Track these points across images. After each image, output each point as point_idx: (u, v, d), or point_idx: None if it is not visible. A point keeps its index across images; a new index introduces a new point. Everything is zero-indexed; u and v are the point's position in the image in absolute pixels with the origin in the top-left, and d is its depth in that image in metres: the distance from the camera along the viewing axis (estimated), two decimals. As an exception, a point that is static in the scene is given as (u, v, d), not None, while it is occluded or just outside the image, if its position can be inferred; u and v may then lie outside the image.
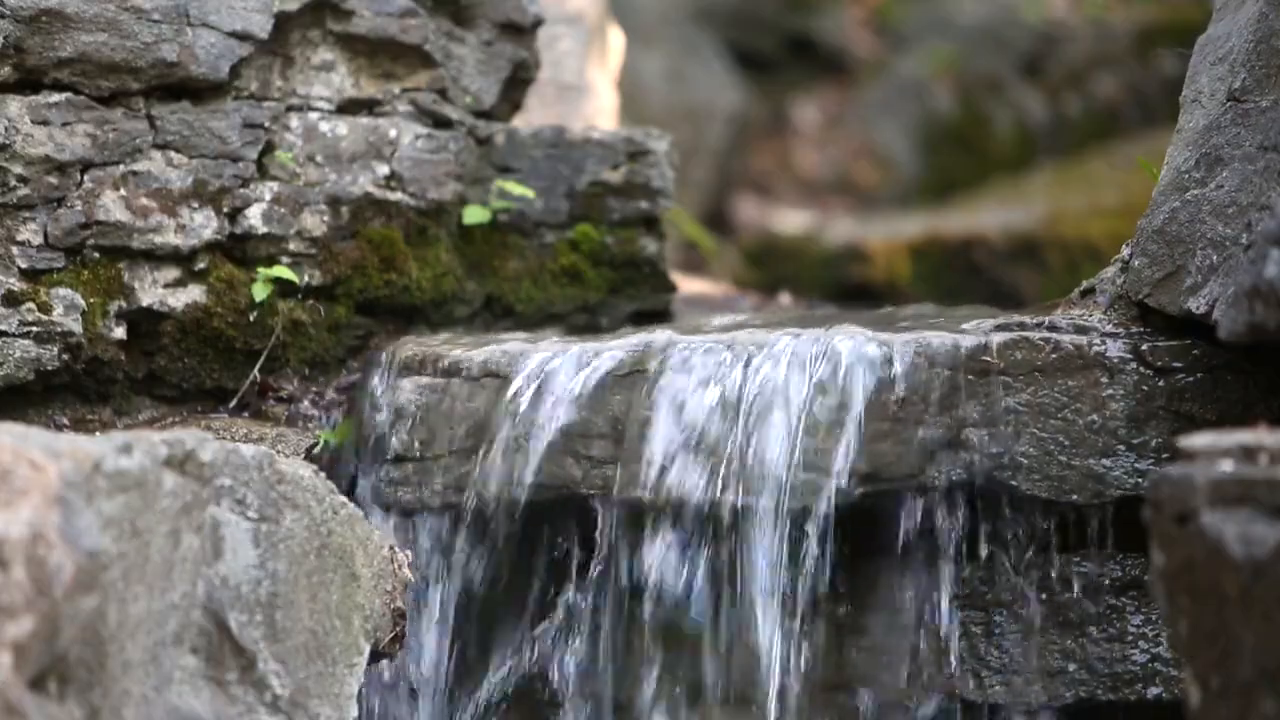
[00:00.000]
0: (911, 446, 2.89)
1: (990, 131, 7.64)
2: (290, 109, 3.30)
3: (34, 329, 3.05)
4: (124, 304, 3.15)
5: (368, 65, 3.38)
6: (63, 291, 3.08)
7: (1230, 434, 2.22)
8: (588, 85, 4.64)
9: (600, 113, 4.61)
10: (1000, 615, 2.92)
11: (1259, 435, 2.19)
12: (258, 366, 3.25)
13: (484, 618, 3.03)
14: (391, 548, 2.67)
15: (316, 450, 3.12)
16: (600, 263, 3.50)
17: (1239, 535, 2.08)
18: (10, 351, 3.03)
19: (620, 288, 3.52)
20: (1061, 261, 5.98)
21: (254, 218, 3.24)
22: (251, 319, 3.23)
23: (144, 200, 3.15)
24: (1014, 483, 2.89)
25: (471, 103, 3.47)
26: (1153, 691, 2.89)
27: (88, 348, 3.11)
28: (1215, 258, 2.89)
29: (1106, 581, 2.91)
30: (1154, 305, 2.96)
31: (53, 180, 3.09)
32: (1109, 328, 2.98)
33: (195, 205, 3.19)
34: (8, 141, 3.05)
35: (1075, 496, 2.89)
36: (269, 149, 3.27)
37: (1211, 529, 2.10)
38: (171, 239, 3.17)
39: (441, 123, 3.42)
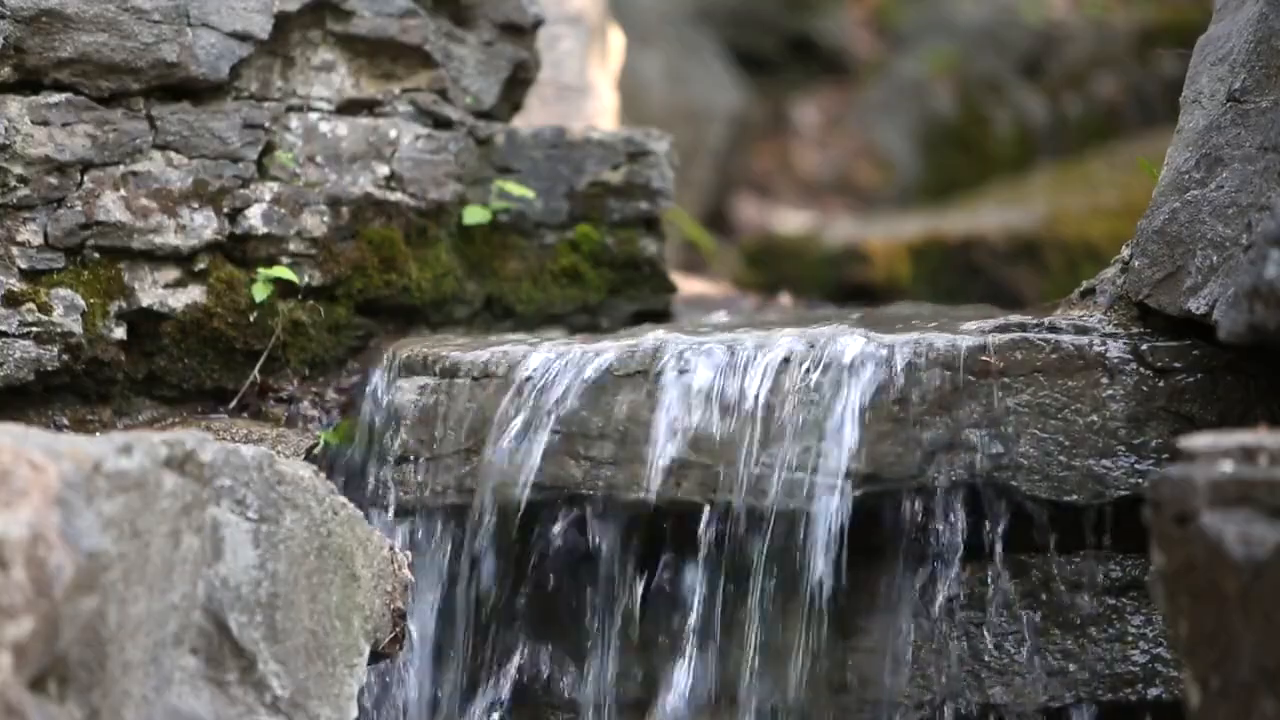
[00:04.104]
0: (912, 447, 2.89)
1: (990, 132, 7.64)
2: (290, 109, 3.30)
3: (34, 329, 3.05)
4: (124, 304, 3.15)
5: (368, 65, 3.38)
6: (63, 292, 3.08)
7: (1230, 435, 2.22)
8: (588, 85, 4.64)
9: (600, 113, 4.61)
10: (1000, 615, 2.92)
11: (1259, 436, 2.19)
12: (258, 367, 3.25)
13: (483, 618, 3.03)
14: (391, 548, 2.67)
15: (316, 451, 3.12)
16: (600, 263, 3.50)
17: (1239, 536, 2.08)
18: (10, 352, 3.04)
19: (620, 288, 3.52)
20: (1061, 261, 5.98)
21: (254, 218, 3.24)
22: (251, 319, 3.23)
23: (144, 200, 3.15)
24: (1014, 483, 2.89)
25: (472, 103, 3.47)
26: (1153, 692, 2.89)
27: (88, 348, 3.11)
28: (1215, 258, 2.89)
29: (1106, 581, 2.92)
30: (1154, 306, 2.96)
31: (53, 180, 3.09)
32: (1109, 328, 2.98)
33: (195, 205, 3.19)
34: (8, 142, 3.05)
35: (1075, 497, 2.89)
36: (269, 149, 3.27)
37: (1211, 529, 2.11)
38: (171, 239, 3.17)
39: (441, 123, 3.42)
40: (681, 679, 2.95)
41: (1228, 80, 2.98)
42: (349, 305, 3.33)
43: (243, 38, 3.21)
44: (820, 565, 2.89)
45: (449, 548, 3.02)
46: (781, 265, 6.27)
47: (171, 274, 3.19)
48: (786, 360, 2.93)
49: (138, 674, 2.29)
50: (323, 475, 2.61)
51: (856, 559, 2.93)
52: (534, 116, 3.92)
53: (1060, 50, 7.79)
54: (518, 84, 3.56)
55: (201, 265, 3.21)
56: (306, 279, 3.27)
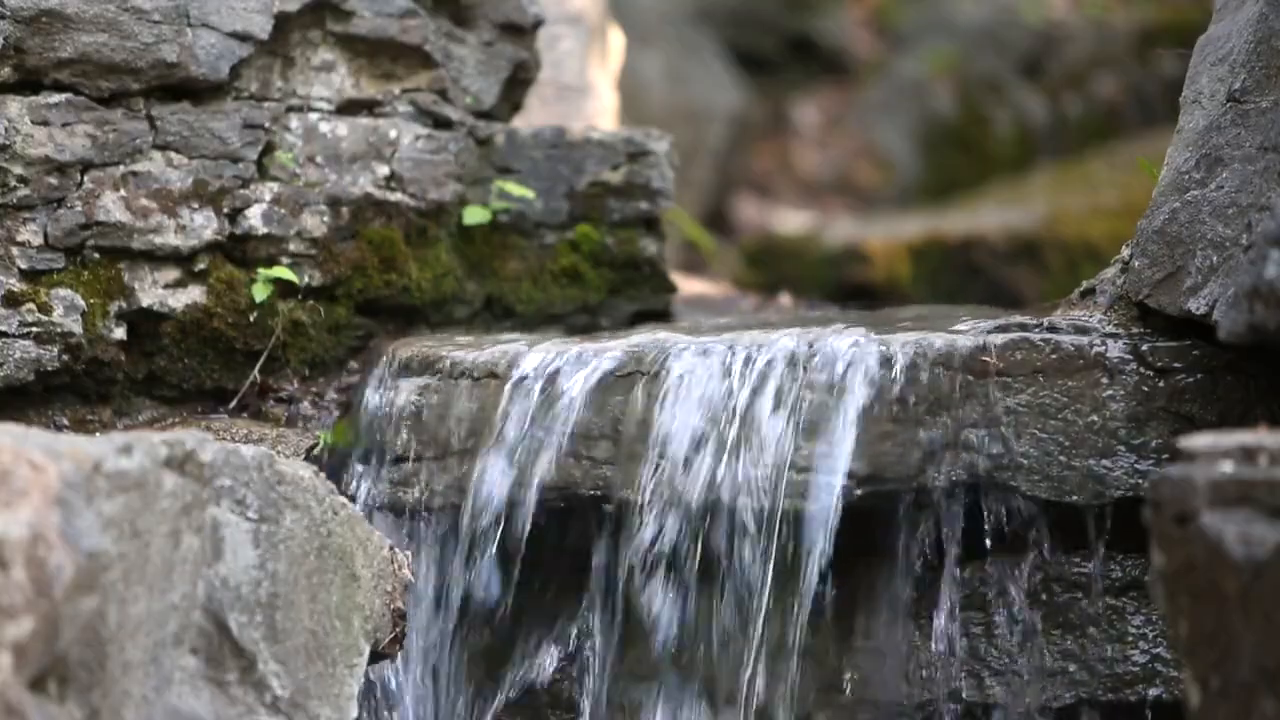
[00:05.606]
0: (911, 447, 2.89)
1: (990, 132, 7.64)
2: (290, 109, 3.30)
3: (34, 329, 3.05)
4: (124, 304, 3.15)
5: (368, 66, 3.38)
6: (63, 292, 3.08)
7: (1230, 435, 2.23)
8: (588, 85, 4.64)
9: (600, 113, 4.61)
10: (1000, 616, 2.92)
11: (1259, 436, 2.19)
12: (258, 367, 3.25)
13: (483, 618, 3.03)
14: (391, 548, 2.67)
15: (316, 451, 3.12)
16: (600, 263, 3.50)
17: (1239, 536, 2.08)
18: (10, 352, 3.04)
19: (620, 288, 3.52)
20: (1061, 261, 5.98)
21: (254, 218, 3.24)
22: (251, 319, 3.23)
23: (144, 201, 3.15)
24: (1014, 483, 2.89)
25: (472, 103, 3.47)
26: (1153, 692, 2.89)
27: (88, 348, 3.11)
28: (1215, 258, 2.89)
29: (1106, 582, 2.91)
30: (1154, 306, 2.96)
31: (53, 181, 3.09)
32: (1109, 328, 2.98)
33: (195, 206, 3.19)
34: (8, 142, 3.05)
35: (1075, 497, 2.89)
36: (269, 149, 3.27)
37: (1211, 529, 2.11)
38: (171, 239, 3.17)
39: (441, 123, 3.42)
40: (679, 678, 2.95)
41: (1228, 80, 2.98)
42: (349, 305, 3.33)
43: (243, 38, 3.21)
44: (819, 565, 2.89)
45: (449, 547, 3.02)
46: (781, 265, 6.28)
47: (171, 274, 3.20)
48: (786, 360, 2.93)
49: (138, 674, 2.29)
50: (322, 475, 2.61)
51: (856, 559, 2.93)
52: (534, 116, 3.92)
53: (1060, 50, 7.79)
54: (518, 84, 3.56)
55: (201, 265, 3.21)
56: (306, 279, 3.27)
